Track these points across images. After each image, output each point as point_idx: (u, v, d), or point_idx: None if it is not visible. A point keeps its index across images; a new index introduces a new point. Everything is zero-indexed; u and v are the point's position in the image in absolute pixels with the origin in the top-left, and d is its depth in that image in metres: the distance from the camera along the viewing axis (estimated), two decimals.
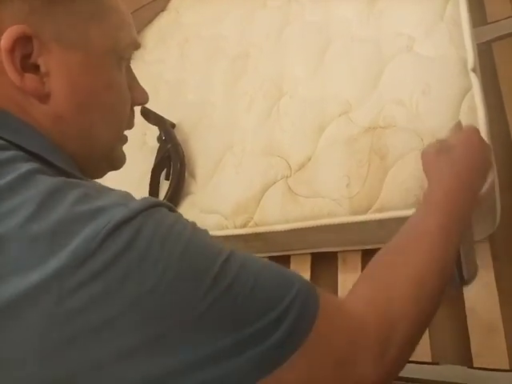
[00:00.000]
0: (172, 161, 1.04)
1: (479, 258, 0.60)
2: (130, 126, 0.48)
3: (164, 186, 1.04)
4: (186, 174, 1.03)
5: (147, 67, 1.36)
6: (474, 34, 0.82)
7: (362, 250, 0.82)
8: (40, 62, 0.37)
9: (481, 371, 0.64)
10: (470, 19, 0.83)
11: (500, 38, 0.92)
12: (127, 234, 0.29)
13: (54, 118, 0.39)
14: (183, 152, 1.05)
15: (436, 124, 0.74)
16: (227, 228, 0.89)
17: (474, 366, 0.64)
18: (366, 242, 0.80)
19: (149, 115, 1.10)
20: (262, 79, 1.06)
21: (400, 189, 0.73)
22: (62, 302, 0.27)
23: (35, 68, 0.37)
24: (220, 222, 0.91)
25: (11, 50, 0.35)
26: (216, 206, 0.94)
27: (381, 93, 0.85)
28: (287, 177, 0.88)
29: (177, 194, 1.01)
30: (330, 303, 0.37)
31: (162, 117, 1.12)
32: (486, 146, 0.54)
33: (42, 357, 0.28)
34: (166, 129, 1.09)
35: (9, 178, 0.31)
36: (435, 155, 0.54)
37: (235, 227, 0.88)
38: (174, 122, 1.14)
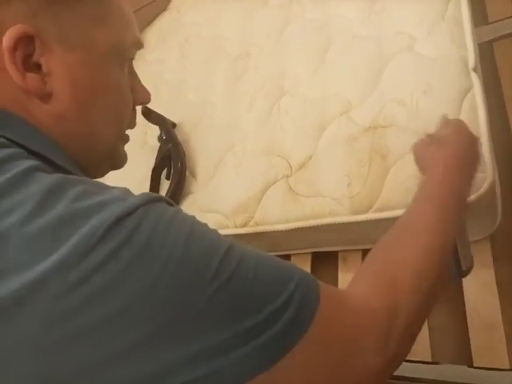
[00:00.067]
0: (173, 160, 1.04)
1: (480, 258, 0.60)
2: (132, 125, 0.48)
3: (165, 186, 1.04)
4: (187, 174, 1.04)
5: (148, 67, 1.36)
6: (476, 33, 0.82)
7: (363, 250, 0.82)
8: (42, 61, 0.37)
9: (481, 370, 0.64)
10: (472, 19, 0.83)
11: (501, 37, 0.92)
12: (128, 227, 0.29)
13: (56, 118, 0.39)
14: (184, 151, 1.06)
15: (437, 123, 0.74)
16: (228, 227, 0.89)
17: (474, 365, 0.65)
18: (367, 241, 0.80)
19: (150, 115, 1.10)
20: (263, 79, 1.06)
21: (401, 188, 0.73)
22: (63, 298, 0.27)
23: (37, 67, 0.37)
24: (220, 221, 0.91)
25: (13, 50, 0.35)
26: (216, 205, 0.94)
27: (382, 92, 0.85)
28: (288, 176, 0.88)
29: (177, 193, 1.01)
30: (331, 293, 0.37)
31: (162, 116, 1.12)
32: (473, 137, 0.55)
33: (43, 354, 0.28)
34: (167, 128, 1.10)
35: (8, 175, 0.31)
36: (426, 148, 0.55)
37: (236, 227, 0.89)
38: (175, 121, 1.14)
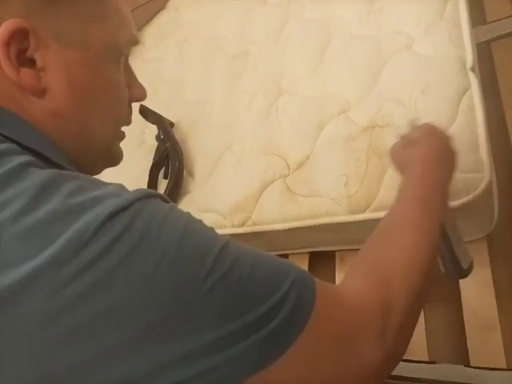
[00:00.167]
0: (170, 159, 1.04)
1: (477, 258, 0.60)
2: (128, 122, 0.48)
3: (162, 185, 1.04)
4: (185, 173, 1.03)
5: (146, 65, 1.36)
6: (474, 33, 0.82)
7: None
8: (36, 56, 0.37)
9: (478, 370, 0.64)
10: (470, 18, 0.83)
11: (499, 37, 0.92)
12: (122, 222, 0.29)
13: (51, 114, 0.39)
14: (182, 151, 1.05)
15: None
16: (225, 227, 0.89)
17: (471, 364, 0.65)
18: (364, 241, 0.79)
19: (147, 114, 1.09)
20: (262, 78, 1.06)
21: (398, 188, 0.73)
22: (56, 294, 0.27)
23: (32, 63, 0.37)
24: (218, 220, 0.90)
25: (7, 44, 0.35)
26: (214, 204, 0.94)
27: (380, 91, 0.85)
28: (285, 176, 0.88)
29: (175, 192, 1.01)
30: (327, 288, 0.38)
31: (160, 115, 1.11)
32: (447, 136, 0.56)
33: (39, 350, 0.27)
34: (165, 127, 1.09)
35: (2, 170, 0.31)
36: (402, 150, 0.56)
37: (233, 226, 0.88)
38: (173, 120, 1.14)
